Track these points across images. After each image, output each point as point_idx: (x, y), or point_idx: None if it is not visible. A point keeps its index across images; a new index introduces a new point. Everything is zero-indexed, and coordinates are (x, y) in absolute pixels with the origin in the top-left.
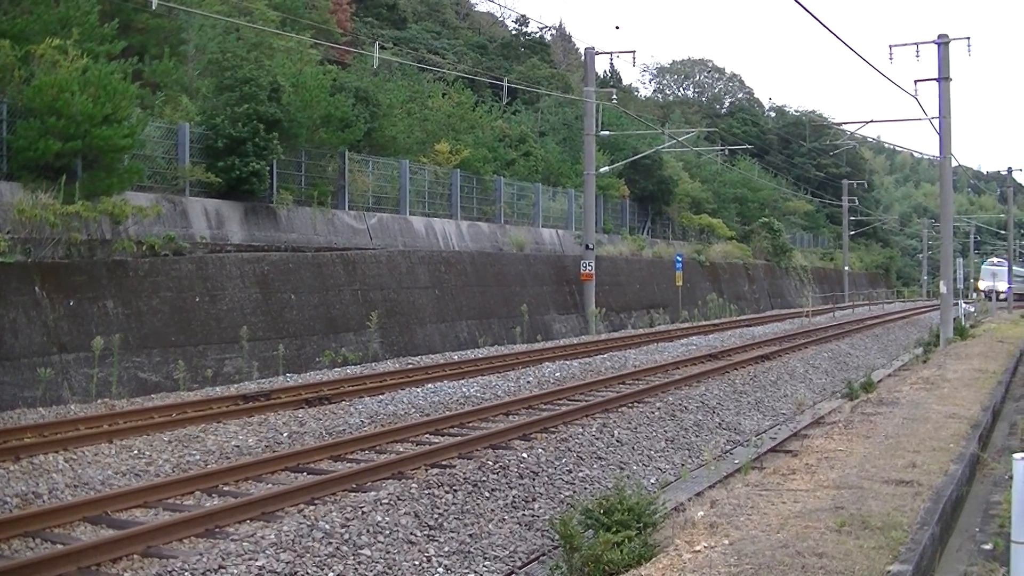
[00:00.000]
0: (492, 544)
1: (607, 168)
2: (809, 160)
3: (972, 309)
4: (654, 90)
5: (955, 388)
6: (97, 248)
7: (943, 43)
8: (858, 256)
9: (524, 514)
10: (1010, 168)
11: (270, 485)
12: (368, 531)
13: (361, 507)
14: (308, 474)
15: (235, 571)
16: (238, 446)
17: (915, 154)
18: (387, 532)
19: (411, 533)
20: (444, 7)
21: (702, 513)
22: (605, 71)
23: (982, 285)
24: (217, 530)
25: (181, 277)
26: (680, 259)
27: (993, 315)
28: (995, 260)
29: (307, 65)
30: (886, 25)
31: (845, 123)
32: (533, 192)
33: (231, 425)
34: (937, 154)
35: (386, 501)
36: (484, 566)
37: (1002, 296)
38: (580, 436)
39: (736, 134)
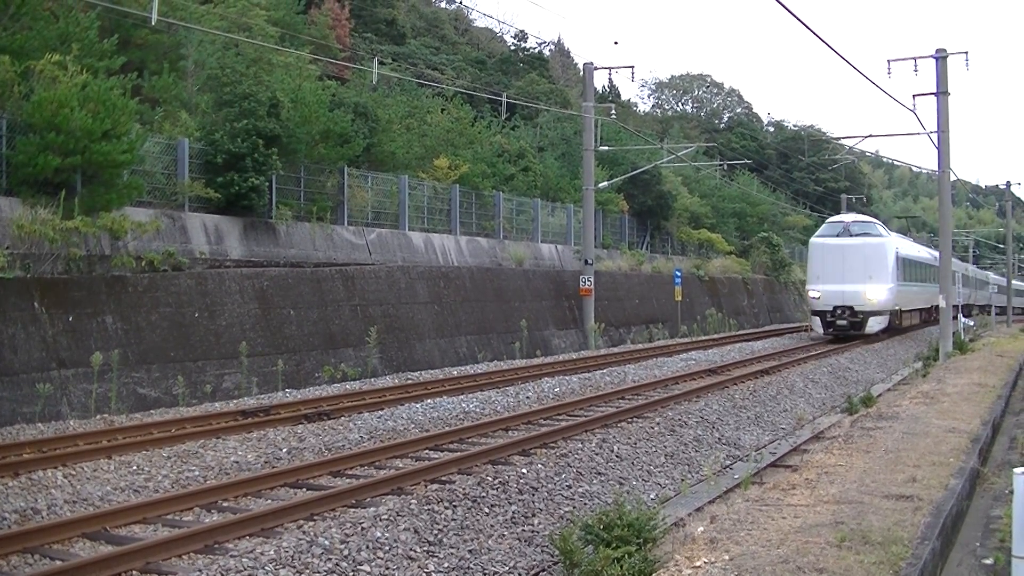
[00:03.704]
0: (492, 560)
1: (606, 183)
2: (808, 175)
3: (971, 323)
4: (653, 105)
5: (955, 402)
6: (96, 263)
7: (941, 58)
8: None
9: (524, 530)
10: (1008, 182)
11: (269, 501)
12: (368, 547)
13: (360, 523)
14: (307, 490)
15: None
16: (237, 462)
17: (914, 168)
18: (387, 548)
19: (411, 549)
20: (443, 23)
21: (702, 528)
22: (604, 86)
23: (812, 291)
24: (216, 546)
25: (180, 292)
26: (679, 274)
27: (993, 329)
28: (849, 223)
29: (306, 81)
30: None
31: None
32: (532, 207)
33: (230, 441)
34: (936, 168)
35: (385, 517)
36: None
37: (867, 316)
38: (580, 451)
39: (735, 149)
